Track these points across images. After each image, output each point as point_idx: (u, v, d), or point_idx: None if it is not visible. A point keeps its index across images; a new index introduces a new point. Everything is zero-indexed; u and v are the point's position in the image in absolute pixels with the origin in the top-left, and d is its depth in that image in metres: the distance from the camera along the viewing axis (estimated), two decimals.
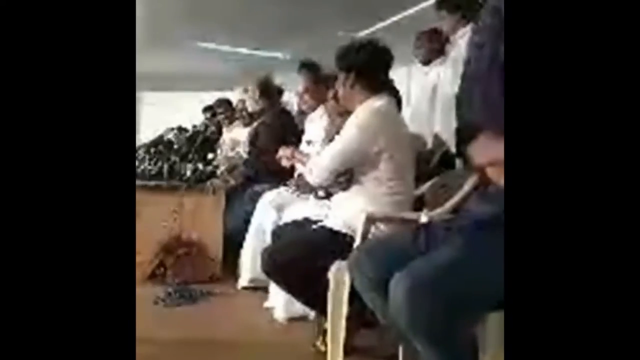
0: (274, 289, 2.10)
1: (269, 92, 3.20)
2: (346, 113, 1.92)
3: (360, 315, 1.60)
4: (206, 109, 4.17)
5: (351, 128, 1.70)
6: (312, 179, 1.79)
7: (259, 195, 2.69)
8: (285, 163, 2.58)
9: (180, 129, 2.89)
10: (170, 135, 2.79)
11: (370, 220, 1.56)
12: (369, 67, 1.77)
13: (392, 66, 1.86)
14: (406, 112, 3.55)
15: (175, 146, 2.74)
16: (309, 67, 2.99)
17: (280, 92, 3.82)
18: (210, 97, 6.07)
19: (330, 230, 1.69)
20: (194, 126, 3.40)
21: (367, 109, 1.74)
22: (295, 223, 1.89)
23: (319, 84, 2.65)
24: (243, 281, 2.54)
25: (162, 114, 7.17)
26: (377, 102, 1.75)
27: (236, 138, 3.59)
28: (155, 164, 2.68)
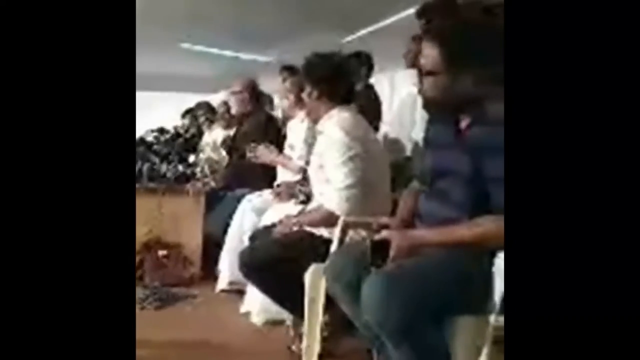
0: (250, 292, 2.11)
1: (256, 95, 3.21)
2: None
3: (341, 321, 1.61)
4: (187, 112, 4.14)
5: (334, 144, 1.69)
6: (340, 209, 1.66)
7: (239, 198, 2.69)
8: (265, 160, 2.61)
9: (161, 131, 2.87)
10: (150, 137, 2.77)
11: (347, 225, 1.57)
12: (334, 80, 1.80)
13: (356, 78, 1.90)
14: (387, 117, 3.59)
15: (155, 147, 2.72)
16: (290, 71, 3.01)
17: (271, 100, 3.84)
18: (192, 99, 6.04)
19: (308, 232, 1.70)
20: (175, 127, 3.39)
21: (333, 120, 1.76)
22: (273, 226, 1.89)
23: (300, 87, 2.67)
24: (222, 284, 2.54)
25: (142, 114, 7.09)
26: (343, 113, 1.78)
27: (217, 140, 3.58)
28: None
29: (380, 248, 1.13)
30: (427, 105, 1.27)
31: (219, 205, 2.89)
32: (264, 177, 2.81)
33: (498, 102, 1.05)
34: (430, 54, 1.19)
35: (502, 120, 0.88)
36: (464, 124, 1.18)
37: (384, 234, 1.15)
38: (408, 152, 2.61)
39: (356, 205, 1.63)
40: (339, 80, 1.82)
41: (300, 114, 2.64)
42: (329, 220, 1.65)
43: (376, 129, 2.77)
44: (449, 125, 1.22)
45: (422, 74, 1.24)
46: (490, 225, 1.08)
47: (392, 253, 1.12)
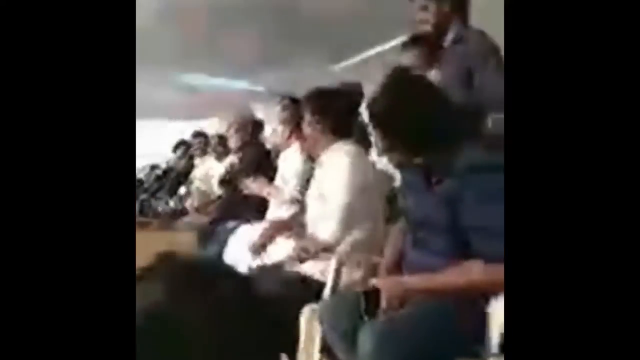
0: None
1: (250, 128, 3.23)
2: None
3: None
4: (180, 143, 4.13)
5: (340, 173, 1.71)
6: (336, 230, 1.69)
7: (231, 231, 2.67)
8: (258, 192, 2.60)
9: (152, 167, 2.86)
10: (141, 175, 2.76)
11: (341, 264, 1.56)
12: (340, 113, 1.82)
13: (355, 109, 1.93)
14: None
15: (146, 185, 2.71)
16: (290, 101, 3.02)
17: (260, 125, 3.84)
18: (181, 126, 6.02)
19: (301, 274, 1.69)
20: (167, 162, 3.39)
21: (339, 152, 1.77)
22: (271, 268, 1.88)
23: (298, 118, 2.67)
24: None
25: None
26: (348, 146, 1.79)
27: (209, 172, 3.57)
28: None
29: (373, 297, 1.14)
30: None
31: (211, 240, 2.86)
32: (257, 208, 2.81)
33: (463, 158, 1.11)
34: (377, 139, 1.28)
35: (471, 169, 0.89)
36: (434, 178, 1.20)
37: (375, 282, 1.16)
38: (397, 183, 2.61)
39: (348, 232, 1.67)
40: (345, 114, 1.85)
41: (295, 145, 2.64)
42: (323, 249, 1.66)
43: None
44: (420, 177, 1.24)
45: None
46: (477, 270, 1.09)
47: (383, 303, 1.13)
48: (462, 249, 1.13)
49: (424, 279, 1.17)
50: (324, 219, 1.71)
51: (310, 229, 1.85)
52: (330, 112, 1.81)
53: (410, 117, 1.18)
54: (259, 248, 2.03)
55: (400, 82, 1.48)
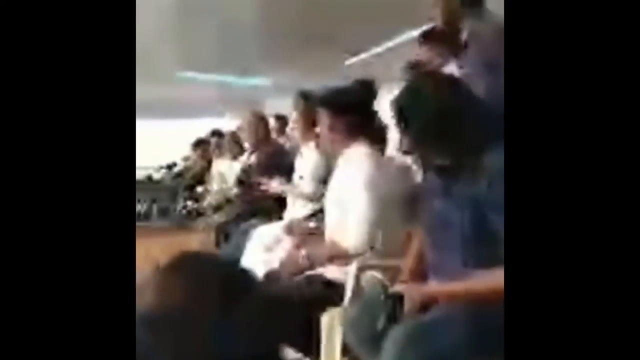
0: None
1: (262, 125, 3.22)
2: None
3: None
4: (197, 144, 4.14)
5: (359, 181, 1.68)
6: (358, 243, 1.65)
7: (249, 230, 2.68)
8: (271, 190, 2.60)
9: (169, 167, 2.88)
10: (159, 175, 2.78)
11: (362, 269, 1.56)
12: (351, 113, 1.79)
13: (374, 106, 1.90)
14: (393, 142, 3.56)
15: (164, 184, 2.73)
16: (305, 98, 2.99)
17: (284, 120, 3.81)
18: (197, 124, 6.04)
19: (322, 277, 1.69)
20: (184, 159, 3.40)
21: (356, 156, 1.75)
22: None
23: (311, 116, 2.63)
24: None
25: (148, 143, 7.16)
26: (365, 149, 1.78)
27: (225, 171, 3.58)
28: (144, 204, 2.66)
29: (395, 301, 1.13)
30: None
31: (229, 240, 2.88)
32: (274, 208, 2.81)
33: (490, 159, 1.08)
34: (401, 137, 1.24)
35: (497, 171, 0.89)
36: (459, 180, 1.18)
37: (398, 288, 1.14)
38: (419, 179, 2.58)
39: (373, 241, 1.63)
40: (360, 114, 1.82)
41: (312, 143, 2.62)
42: (342, 256, 1.64)
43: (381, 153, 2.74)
44: (445, 179, 1.21)
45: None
46: (500, 277, 1.06)
47: (406, 307, 1.12)
48: (486, 255, 1.11)
49: (447, 285, 1.16)
50: (345, 226, 1.69)
51: (329, 234, 1.83)
52: (345, 114, 1.79)
53: (435, 115, 1.16)
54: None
55: (426, 79, 1.46)
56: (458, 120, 1.14)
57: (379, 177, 1.68)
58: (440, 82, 1.28)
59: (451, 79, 1.36)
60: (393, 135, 3.25)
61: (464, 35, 1.75)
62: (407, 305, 1.13)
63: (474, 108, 1.17)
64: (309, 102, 2.61)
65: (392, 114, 1.27)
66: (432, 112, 1.16)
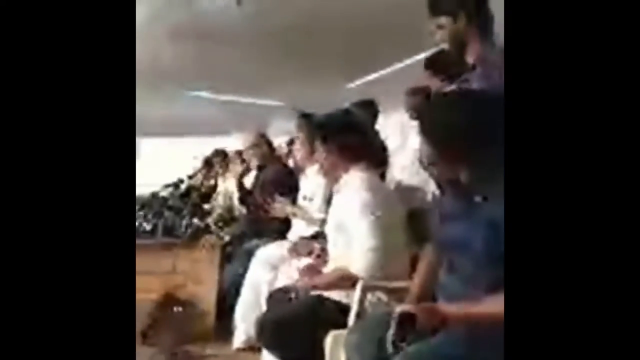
0: (266, 355, 2.07)
1: (265, 145, 3.25)
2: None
3: None
4: (205, 162, 4.18)
5: (359, 207, 1.67)
6: (364, 271, 1.62)
7: (253, 249, 2.68)
8: (276, 212, 2.61)
9: (176, 185, 2.90)
10: (165, 192, 2.80)
11: (366, 289, 1.56)
12: (351, 138, 1.81)
13: (368, 131, 1.89)
14: (400, 163, 3.57)
15: (170, 202, 2.74)
16: (306, 119, 3.02)
17: (291, 141, 3.83)
18: (202, 142, 6.06)
19: (327, 299, 1.69)
20: (190, 177, 3.43)
21: (355, 181, 1.76)
22: (291, 287, 1.87)
23: (313, 137, 2.65)
24: (237, 342, 2.49)
25: (156, 160, 7.21)
26: (363, 173, 1.78)
27: (230, 190, 3.61)
28: (150, 221, 2.67)
29: (404, 323, 1.11)
30: (439, 186, 1.27)
31: (233, 258, 2.88)
32: (279, 228, 2.81)
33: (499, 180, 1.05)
34: (423, 149, 1.21)
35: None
36: (477, 198, 1.17)
37: (409, 308, 1.12)
38: (429, 198, 2.56)
39: (380, 268, 1.61)
40: (357, 138, 1.83)
41: (317, 164, 2.63)
42: (348, 282, 1.63)
43: (382, 176, 2.76)
44: (461, 197, 1.21)
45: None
46: None
47: (418, 327, 1.09)
48: (501, 277, 1.09)
49: (461, 307, 1.13)
50: (348, 252, 1.68)
51: (333, 259, 1.83)
52: (342, 138, 1.80)
53: (457, 126, 1.15)
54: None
55: (453, 92, 1.47)
56: (480, 133, 1.13)
57: (377, 202, 1.67)
58: (466, 94, 1.28)
59: (477, 93, 1.37)
60: (393, 161, 3.28)
61: (471, 58, 1.75)
62: (418, 325, 1.10)
63: (499, 124, 1.16)
64: (310, 125, 2.64)
65: (415, 121, 1.24)
66: (456, 122, 1.15)
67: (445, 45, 1.79)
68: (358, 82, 5.27)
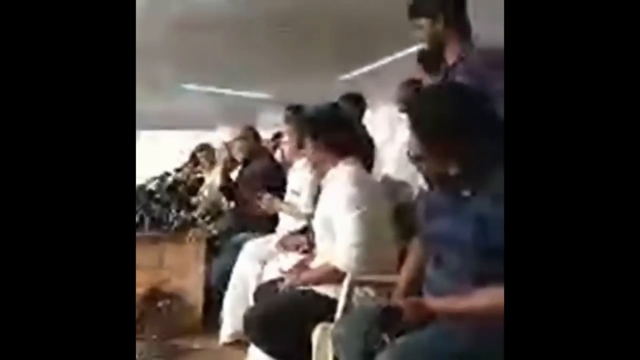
0: (255, 348, 2.07)
1: (257, 139, 3.24)
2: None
3: None
4: (192, 157, 4.14)
5: (344, 201, 1.67)
6: (348, 267, 1.62)
7: (240, 243, 2.67)
8: (264, 207, 2.59)
9: (162, 178, 2.87)
10: (152, 185, 2.77)
11: (353, 284, 1.56)
12: (337, 132, 1.81)
13: (356, 126, 1.90)
14: (388, 158, 3.57)
15: (157, 196, 2.72)
16: (293, 112, 3.00)
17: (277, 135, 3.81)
18: (189, 136, 6.00)
19: (313, 291, 1.68)
20: (176, 170, 3.39)
21: (341, 175, 1.76)
22: (278, 280, 1.87)
23: (302, 132, 2.63)
24: (224, 336, 2.49)
25: (141, 152, 7.11)
26: (349, 167, 1.78)
27: (216, 183, 3.58)
28: (136, 214, 2.64)
29: (391, 316, 1.12)
30: (427, 180, 1.27)
31: (220, 252, 2.86)
32: (266, 222, 2.80)
33: (497, 173, 1.05)
34: (412, 142, 1.21)
35: (502, 191, 0.88)
36: (466, 193, 1.17)
37: (397, 302, 1.13)
38: (415, 193, 2.56)
39: (364, 263, 1.61)
40: (344, 133, 1.83)
41: (303, 159, 2.62)
42: (335, 276, 1.63)
43: (369, 168, 2.74)
44: (450, 195, 1.21)
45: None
46: (499, 296, 1.06)
47: (405, 321, 1.10)
48: (488, 272, 1.09)
49: (448, 301, 1.14)
50: (333, 246, 1.68)
51: (320, 254, 1.83)
52: (330, 133, 1.80)
53: (447, 119, 1.13)
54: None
55: (441, 86, 1.47)
56: (469, 127, 1.13)
57: (364, 196, 1.67)
58: (455, 88, 1.27)
59: (465, 87, 1.37)
60: (382, 155, 3.28)
61: (450, 59, 1.75)
62: (405, 319, 1.11)
63: (489, 117, 1.15)
64: (298, 118, 2.63)
65: (404, 114, 1.24)
66: (445, 115, 1.14)
67: (424, 45, 1.80)
68: (349, 74, 5.24)
